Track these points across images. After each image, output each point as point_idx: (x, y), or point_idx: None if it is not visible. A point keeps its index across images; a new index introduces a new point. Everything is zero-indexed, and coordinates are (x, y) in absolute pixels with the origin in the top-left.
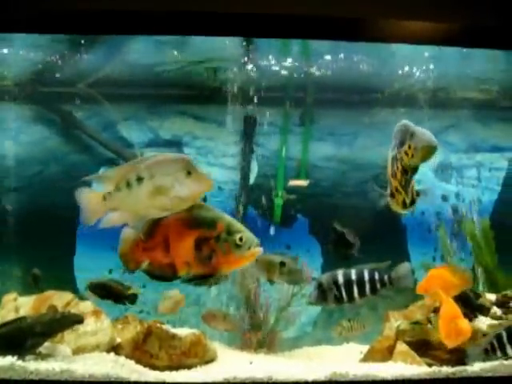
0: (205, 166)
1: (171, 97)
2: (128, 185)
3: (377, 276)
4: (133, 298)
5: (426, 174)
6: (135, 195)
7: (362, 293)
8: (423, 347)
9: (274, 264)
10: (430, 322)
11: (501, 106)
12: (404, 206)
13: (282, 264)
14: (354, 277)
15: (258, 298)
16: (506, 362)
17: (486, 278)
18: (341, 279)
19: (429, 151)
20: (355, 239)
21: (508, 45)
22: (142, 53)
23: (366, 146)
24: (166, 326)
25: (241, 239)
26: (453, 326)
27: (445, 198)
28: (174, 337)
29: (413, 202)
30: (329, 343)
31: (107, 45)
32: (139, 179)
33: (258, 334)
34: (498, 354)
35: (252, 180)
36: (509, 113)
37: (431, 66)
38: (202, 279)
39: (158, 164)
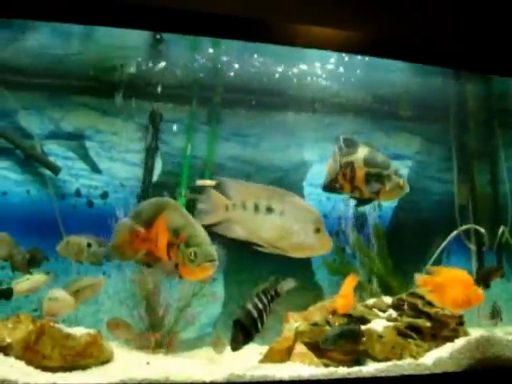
0: (107, 161)
1: (75, 88)
2: (256, 208)
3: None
4: (7, 294)
5: None
6: (259, 222)
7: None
8: (321, 348)
9: (82, 245)
10: (328, 323)
11: (401, 116)
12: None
13: (89, 245)
14: (261, 306)
15: (158, 298)
16: (399, 362)
17: (379, 284)
18: (255, 313)
19: None
20: None
21: (414, 57)
22: (45, 40)
23: (270, 149)
24: (60, 326)
25: (192, 253)
26: (473, 291)
27: (346, 203)
28: (68, 336)
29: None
30: (228, 344)
31: (6, 29)
32: (269, 209)
33: (156, 334)
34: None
35: (155, 178)
36: (408, 123)
37: (337, 73)
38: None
39: (292, 205)
